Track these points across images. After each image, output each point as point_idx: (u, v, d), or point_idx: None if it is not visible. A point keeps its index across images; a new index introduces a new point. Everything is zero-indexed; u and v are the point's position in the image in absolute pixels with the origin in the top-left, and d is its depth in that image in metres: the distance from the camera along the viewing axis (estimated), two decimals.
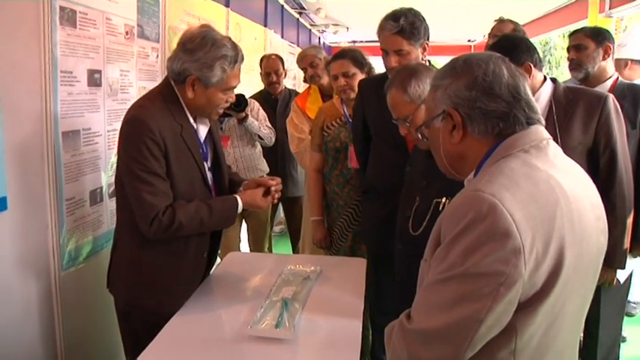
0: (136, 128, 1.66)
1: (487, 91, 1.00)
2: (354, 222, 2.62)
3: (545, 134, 1.03)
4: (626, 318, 2.64)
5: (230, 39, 1.76)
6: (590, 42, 2.52)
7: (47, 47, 1.85)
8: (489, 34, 3.58)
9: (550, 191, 0.94)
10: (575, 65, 2.57)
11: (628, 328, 3.11)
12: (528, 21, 7.70)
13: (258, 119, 3.40)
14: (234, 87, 1.79)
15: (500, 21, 3.50)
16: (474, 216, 0.89)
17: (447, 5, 6.52)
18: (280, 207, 4.21)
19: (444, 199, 1.63)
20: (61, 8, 1.92)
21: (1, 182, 1.71)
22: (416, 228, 1.72)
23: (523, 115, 1.01)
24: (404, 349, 0.96)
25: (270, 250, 4.08)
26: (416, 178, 1.81)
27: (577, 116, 1.96)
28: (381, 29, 2.12)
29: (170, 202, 1.70)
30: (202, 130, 1.86)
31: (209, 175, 1.89)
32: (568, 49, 2.63)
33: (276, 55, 3.96)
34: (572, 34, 2.66)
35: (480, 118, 1.01)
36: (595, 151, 1.98)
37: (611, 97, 2.00)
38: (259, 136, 3.35)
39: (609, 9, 5.40)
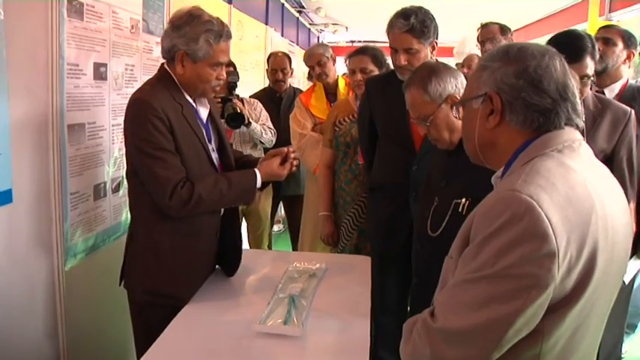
0: (140, 109, 1.70)
1: (535, 83, 0.98)
2: (359, 219, 2.62)
3: (578, 135, 1.01)
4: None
5: (218, 18, 1.80)
6: (620, 40, 2.53)
7: (55, 39, 1.83)
8: (478, 40, 3.58)
9: (587, 195, 0.92)
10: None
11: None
12: (528, 23, 7.72)
13: (260, 119, 3.39)
14: (223, 63, 1.81)
15: (485, 26, 3.51)
16: (510, 216, 0.87)
17: (447, 7, 6.52)
18: (280, 205, 4.19)
19: (463, 200, 1.60)
20: (69, 0, 1.90)
21: (7, 175, 1.69)
22: (435, 229, 1.69)
23: (565, 115, 0.99)
24: (426, 347, 0.94)
25: (269, 248, 4.06)
26: (435, 178, 1.79)
27: (603, 126, 2.02)
28: (391, 27, 2.11)
29: (184, 175, 1.72)
30: (203, 112, 1.89)
31: (215, 155, 1.90)
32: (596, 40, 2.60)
33: (284, 53, 3.96)
34: (605, 27, 2.67)
35: (520, 109, 0.99)
36: (611, 160, 2.02)
37: (633, 112, 2.07)
38: (260, 141, 3.36)
39: (609, 12, 5.42)
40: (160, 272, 1.80)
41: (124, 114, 2.27)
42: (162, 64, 1.84)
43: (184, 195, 1.69)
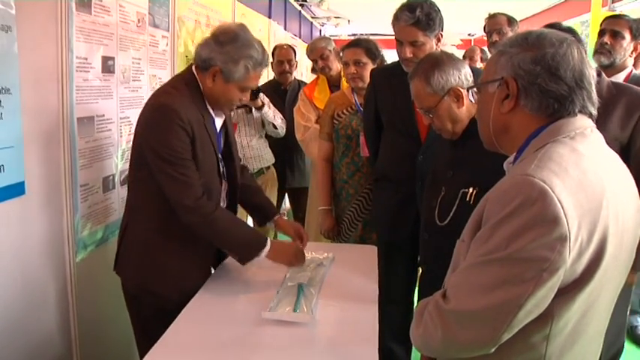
0: (166, 115, 1.67)
1: (552, 70, 0.99)
2: (364, 211, 2.63)
3: (590, 123, 1.03)
4: None
5: (261, 43, 1.79)
6: (628, 32, 2.47)
7: (64, 33, 1.85)
8: (485, 30, 3.58)
9: (598, 181, 0.94)
10: (605, 50, 2.48)
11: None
12: (531, 14, 7.70)
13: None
14: (252, 88, 1.82)
15: (492, 16, 3.50)
16: (522, 200, 0.89)
17: None
18: (286, 197, 4.22)
19: (471, 189, 1.63)
20: None
21: (20, 167, 1.72)
22: (443, 218, 1.71)
23: (580, 103, 1.00)
24: (438, 329, 0.96)
25: None
26: (441, 168, 1.81)
27: (617, 112, 1.97)
28: (396, 20, 2.12)
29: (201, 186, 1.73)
30: (218, 122, 1.88)
31: (222, 164, 1.91)
32: (602, 32, 2.53)
33: (289, 46, 3.98)
34: (612, 18, 2.60)
35: (535, 95, 1.00)
36: (627, 149, 1.97)
37: None
38: (274, 125, 3.36)
39: (612, 3, 5.40)
40: (150, 270, 1.79)
41: (131, 107, 2.33)
42: (191, 65, 1.81)
43: (207, 207, 1.71)
